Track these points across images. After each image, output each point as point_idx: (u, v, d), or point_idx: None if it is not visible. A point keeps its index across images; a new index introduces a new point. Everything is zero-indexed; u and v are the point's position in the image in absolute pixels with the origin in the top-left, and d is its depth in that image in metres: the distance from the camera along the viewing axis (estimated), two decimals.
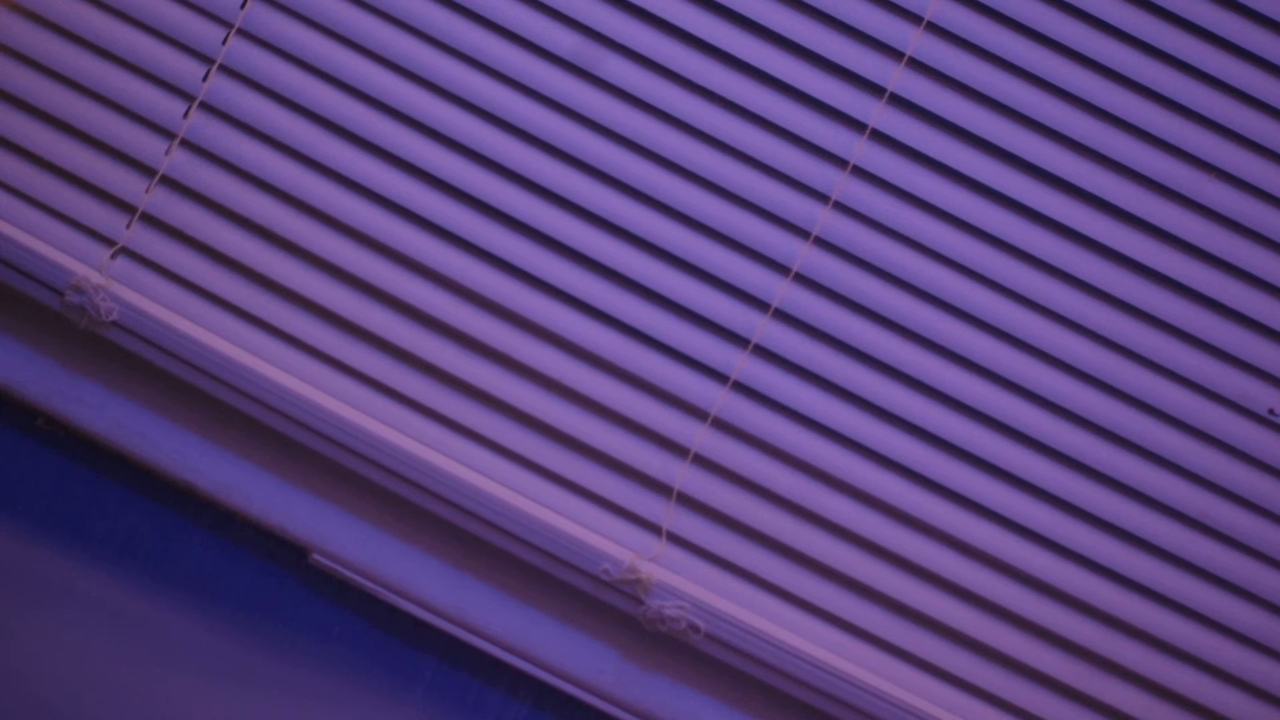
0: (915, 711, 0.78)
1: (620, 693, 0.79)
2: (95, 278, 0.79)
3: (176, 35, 0.81)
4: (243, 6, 0.81)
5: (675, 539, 0.80)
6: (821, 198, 0.80)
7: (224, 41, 0.81)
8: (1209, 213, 0.80)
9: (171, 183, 0.81)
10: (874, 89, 0.80)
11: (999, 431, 0.80)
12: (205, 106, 0.81)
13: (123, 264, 0.81)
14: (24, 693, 0.79)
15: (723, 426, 0.80)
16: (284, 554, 0.81)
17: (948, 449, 0.80)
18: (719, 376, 0.80)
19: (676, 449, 0.80)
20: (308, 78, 0.81)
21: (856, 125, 0.80)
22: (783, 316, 0.80)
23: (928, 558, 0.79)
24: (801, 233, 0.80)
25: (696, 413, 0.80)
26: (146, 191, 0.81)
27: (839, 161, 0.80)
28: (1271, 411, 0.79)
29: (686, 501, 0.80)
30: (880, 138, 0.80)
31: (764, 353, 0.80)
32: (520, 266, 0.80)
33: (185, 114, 0.81)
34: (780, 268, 0.80)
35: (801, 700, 0.79)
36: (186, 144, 0.81)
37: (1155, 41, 0.79)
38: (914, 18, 0.79)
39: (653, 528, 0.80)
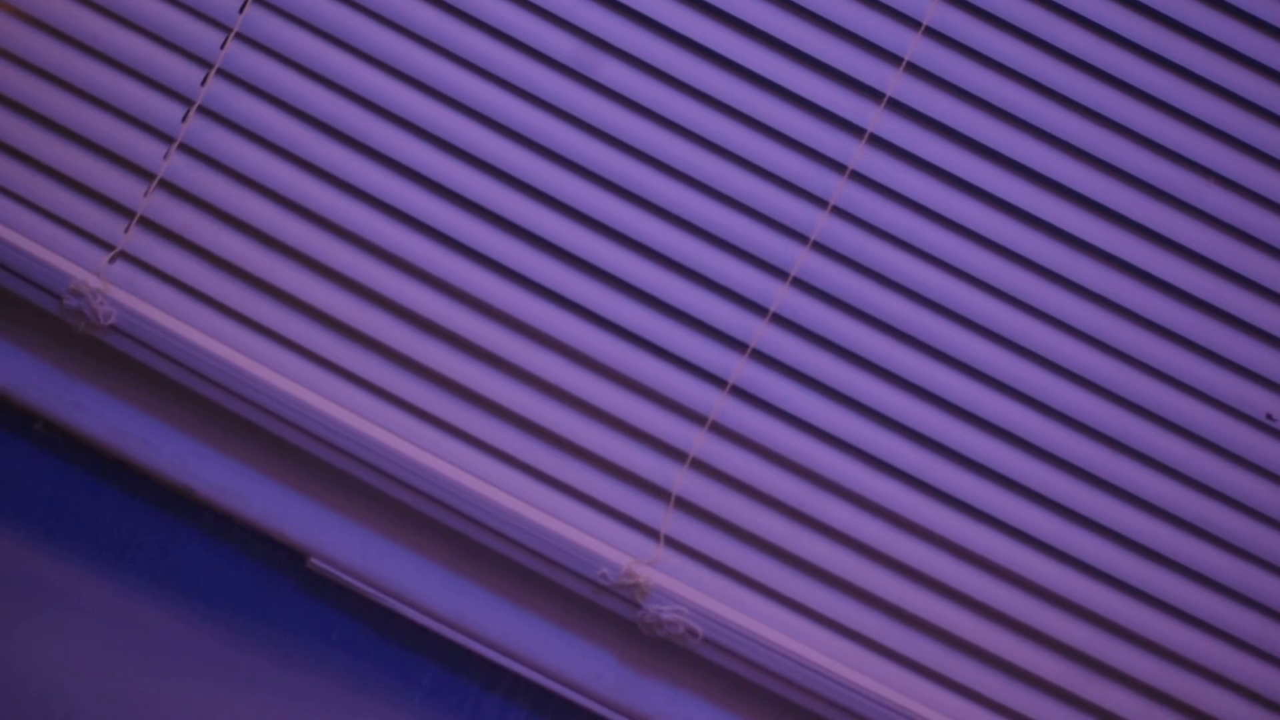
0: (914, 716, 0.78)
1: (618, 697, 0.79)
2: (93, 282, 0.79)
3: (175, 39, 0.81)
4: (241, 10, 0.81)
5: (673, 543, 0.80)
6: (820, 202, 0.80)
7: (222, 45, 0.81)
8: (1208, 218, 0.80)
9: (170, 187, 0.81)
10: (872, 94, 0.80)
11: (997, 436, 0.80)
12: (203, 110, 0.81)
13: (121, 268, 0.81)
14: (22, 696, 0.79)
15: (721, 431, 0.80)
16: (282, 558, 0.81)
17: (946, 453, 0.80)
18: (717, 381, 0.80)
19: (675, 453, 0.80)
20: (306, 82, 0.81)
21: (855, 130, 0.80)
22: (781, 321, 0.80)
23: (926, 562, 0.79)
24: (799, 237, 0.80)
25: (695, 417, 0.80)
26: (145, 195, 0.81)
27: (837, 166, 0.80)
28: (1269, 416, 0.79)
29: (684, 506, 0.80)
30: (878, 142, 0.80)
31: (762, 357, 0.80)
32: (518, 270, 0.80)
33: (184, 118, 0.81)
34: (778, 272, 0.80)
35: (799, 705, 0.79)
36: (185, 148, 0.81)
37: (1155, 47, 0.79)
38: (912, 23, 0.79)
39: (651, 532, 0.80)
